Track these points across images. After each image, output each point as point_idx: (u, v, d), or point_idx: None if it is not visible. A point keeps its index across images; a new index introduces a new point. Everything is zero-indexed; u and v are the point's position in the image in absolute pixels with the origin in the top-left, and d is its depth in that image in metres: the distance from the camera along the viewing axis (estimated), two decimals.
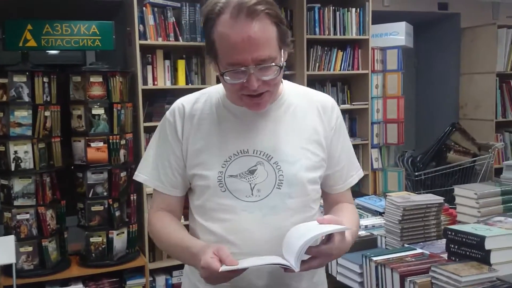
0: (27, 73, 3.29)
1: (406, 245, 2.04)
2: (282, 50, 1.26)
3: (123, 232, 3.61)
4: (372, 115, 4.52)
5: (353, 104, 4.50)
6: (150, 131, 3.85)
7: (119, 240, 3.57)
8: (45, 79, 3.37)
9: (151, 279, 3.79)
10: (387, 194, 2.28)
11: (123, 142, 3.59)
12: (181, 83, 3.83)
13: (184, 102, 1.41)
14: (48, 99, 3.40)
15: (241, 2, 1.18)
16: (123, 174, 3.59)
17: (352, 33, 4.36)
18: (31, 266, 3.34)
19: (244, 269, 1.16)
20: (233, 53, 1.20)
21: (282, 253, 1.21)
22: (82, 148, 3.49)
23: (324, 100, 1.44)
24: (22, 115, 3.26)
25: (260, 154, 1.33)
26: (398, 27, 4.63)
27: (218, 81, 4.14)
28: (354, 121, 4.65)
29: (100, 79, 3.49)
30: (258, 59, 1.20)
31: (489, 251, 1.64)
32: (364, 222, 2.34)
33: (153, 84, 3.76)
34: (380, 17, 4.57)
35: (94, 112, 3.48)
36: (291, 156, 1.34)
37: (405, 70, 4.73)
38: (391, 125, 4.59)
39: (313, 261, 1.20)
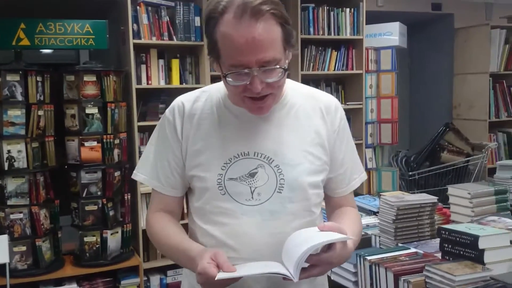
0: (21, 72, 3.27)
1: (400, 245, 2.05)
2: (286, 51, 1.23)
3: (117, 232, 3.60)
4: (366, 115, 4.53)
5: (347, 104, 4.51)
6: (144, 130, 3.85)
7: (113, 239, 3.56)
8: (39, 78, 3.36)
9: (146, 278, 3.78)
10: (381, 193, 2.29)
11: (117, 141, 3.58)
12: (175, 82, 3.82)
13: (184, 100, 1.37)
14: (42, 98, 3.39)
15: (245, 1, 1.14)
16: (117, 173, 3.58)
17: (346, 33, 4.37)
18: (25, 266, 3.32)
19: (241, 277, 1.14)
20: (237, 55, 1.16)
21: (282, 259, 1.18)
22: (75, 148, 3.48)
23: (328, 101, 1.40)
24: (15, 114, 3.25)
25: (261, 157, 1.30)
26: (392, 27, 4.65)
27: (212, 81, 4.16)
28: (348, 121, 4.59)
29: (94, 78, 3.48)
30: (262, 61, 1.16)
31: (482, 251, 1.65)
32: None
33: (147, 84, 3.75)
34: (374, 17, 4.59)
35: (87, 111, 3.46)
36: (293, 160, 1.30)
37: (399, 70, 4.74)
38: (385, 125, 4.60)
39: (313, 269, 1.16)
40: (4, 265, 3.09)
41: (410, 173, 4.58)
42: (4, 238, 3.12)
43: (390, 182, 4.58)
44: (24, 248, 3.31)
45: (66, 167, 3.56)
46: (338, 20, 4.34)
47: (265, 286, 1.28)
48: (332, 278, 2.08)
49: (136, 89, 3.66)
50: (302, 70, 4.24)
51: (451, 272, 1.57)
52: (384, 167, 4.69)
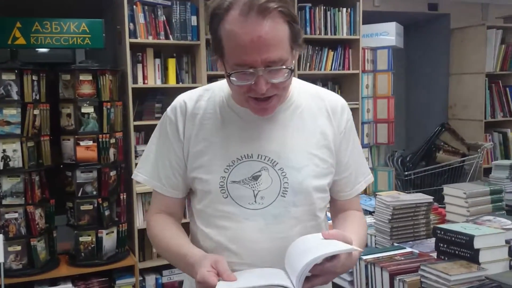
0: (16, 71, 3.26)
1: (395, 244, 2.05)
2: (293, 51, 1.18)
3: (113, 232, 3.59)
4: (362, 115, 4.53)
5: None
6: (140, 130, 3.84)
7: (109, 239, 3.55)
8: (35, 77, 3.35)
9: (141, 278, 3.77)
10: (377, 193, 2.30)
11: (112, 141, 3.57)
12: (172, 81, 3.81)
13: (186, 99, 1.33)
14: (37, 97, 3.38)
15: None
16: (112, 173, 3.57)
17: (343, 33, 4.37)
18: (20, 265, 3.31)
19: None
20: (241, 54, 1.11)
21: (285, 266, 1.15)
22: (71, 147, 3.47)
23: (334, 101, 1.35)
24: (11, 113, 3.24)
25: (264, 159, 1.25)
26: (389, 27, 4.65)
27: (209, 80, 4.15)
28: None
29: (90, 78, 3.47)
30: (268, 61, 1.12)
31: (478, 250, 1.65)
32: None
33: (143, 83, 3.74)
34: (371, 17, 4.59)
35: (83, 110, 3.46)
36: (298, 162, 1.26)
37: (395, 70, 4.75)
38: (381, 125, 4.60)
39: (316, 279, 1.11)
40: None
41: (406, 173, 4.59)
42: None
43: (386, 182, 4.59)
44: (19, 248, 3.30)
45: (61, 166, 3.56)
46: (334, 20, 4.34)
47: None
48: None
49: (132, 88, 3.65)
50: (298, 69, 4.24)
51: (447, 272, 1.57)
52: (380, 167, 4.70)
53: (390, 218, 2.08)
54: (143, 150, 4.09)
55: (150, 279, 3.81)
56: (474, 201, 2.25)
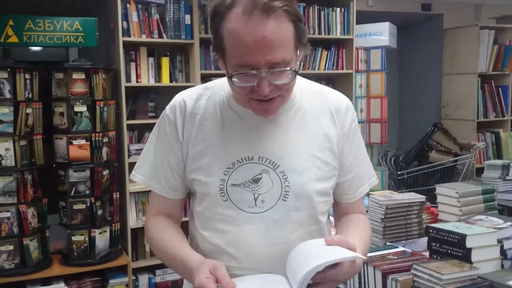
0: (9, 69, 3.24)
1: (388, 243, 2.06)
2: (298, 51, 1.14)
3: (106, 231, 3.58)
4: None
5: None
6: (133, 128, 3.83)
7: (102, 238, 3.54)
8: (27, 76, 3.33)
9: (134, 278, 3.76)
10: (370, 192, 2.29)
11: (105, 140, 3.56)
12: (165, 80, 3.81)
13: (185, 97, 1.28)
14: (30, 96, 3.36)
15: None
16: (105, 172, 3.56)
17: (337, 33, 4.38)
18: (12, 265, 3.29)
19: None
20: (244, 54, 1.07)
21: (286, 272, 1.12)
22: (64, 146, 3.45)
23: (338, 101, 1.31)
24: (3, 112, 3.22)
25: (265, 162, 1.21)
26: (382, 27, 4.66)
27: (203, 79, 4.13)
28: None
29: (83, 76, 3.46)
30: (272, 62, 1.07)
31: (470, 249, 1.66)
32: None
33: (137, 82, 3.73)
34: (365, 17, 4.60)
35: (76, 109, 3.44)
36: (299, 165, 1.22)
37: (389, 70, 4.77)
38: (375, 124, 4.62)
39: (318, 287, 1.07)
40: None
41: (399, 172, 4.61)
42: None
43: (379, 182, 4.60)
44: (11, 247, 3.28)
45: (54, 165, 3.54)
46: (328, 19, 4.34)
47: None
48: None
49: (126, 87, 3.64)
50: None
51: (439, 271, 1.57)
52: (374, 167, 4.70)
53: (383, 217, 2.08)
54: (136, 149, 4.06)
55: (143, 279, 3.81)
56: (467, 201, 2.26)
